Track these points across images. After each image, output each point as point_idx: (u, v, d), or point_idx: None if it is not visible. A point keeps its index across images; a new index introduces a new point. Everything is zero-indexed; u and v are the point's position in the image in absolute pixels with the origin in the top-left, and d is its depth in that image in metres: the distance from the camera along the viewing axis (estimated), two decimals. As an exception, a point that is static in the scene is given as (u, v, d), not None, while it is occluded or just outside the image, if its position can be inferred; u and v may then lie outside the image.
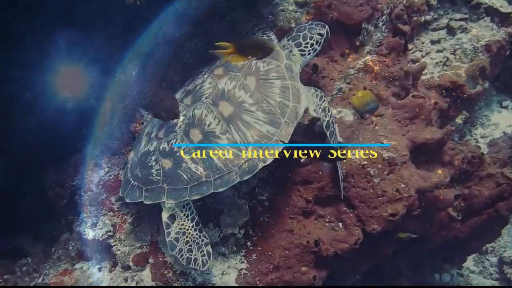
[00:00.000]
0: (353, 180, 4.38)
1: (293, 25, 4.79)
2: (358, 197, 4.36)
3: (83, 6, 4.44)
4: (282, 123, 3.83)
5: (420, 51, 5.87)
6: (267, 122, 3.81)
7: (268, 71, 3.95)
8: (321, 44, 4.26)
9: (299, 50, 4.22)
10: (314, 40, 4.19)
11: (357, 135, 4.61)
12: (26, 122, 5.36)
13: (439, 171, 4.76)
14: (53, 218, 5.55)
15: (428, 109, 4.78)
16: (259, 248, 4.43)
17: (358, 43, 4.95)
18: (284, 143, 3.84)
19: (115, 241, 4.54)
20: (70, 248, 4.97)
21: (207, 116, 3.83)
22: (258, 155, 3.78)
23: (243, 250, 4.44)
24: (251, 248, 4.44)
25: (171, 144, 3.89)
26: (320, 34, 4.20)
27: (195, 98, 3.97)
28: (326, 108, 4.08)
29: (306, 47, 4.20)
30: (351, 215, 4.45)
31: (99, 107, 5.04)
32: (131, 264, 4.41)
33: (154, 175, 3.94)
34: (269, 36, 4.63)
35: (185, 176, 3.82)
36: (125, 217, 4.61)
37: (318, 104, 4.08)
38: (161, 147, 3.95)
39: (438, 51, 5.89)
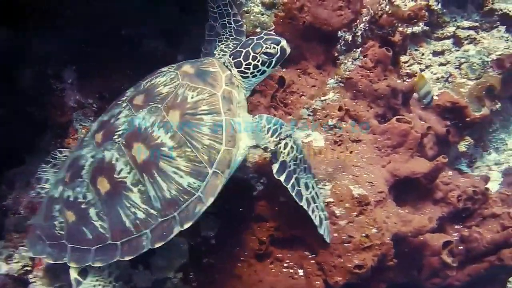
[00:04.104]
0: (315, 220, 3.76)
1: (258, 30, 4.18)
2: (319, 242, 3.73)
3: None
4: (209, 174, 3.11)
5: (418, 63, 5.21)
6: (189, 173, 3.09)
7: (197, 103, 3.20)
8: (271, 65, 3.46)
9: (239, 72, 3.46)
10: (258, 61, 3.41)
11: (326, 164, 3.99)
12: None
13: (423, 215, 4.09)
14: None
15: (414, 136, 4.15)
16: (200, 296, 3.84)
17: (336, 54, 4.29)
18: (208, 202, 3.12)
19: (34, 277, 4.00)
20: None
21: (118, 160, 3.13)
22: (175, 216, 3.10)
23: (181, 297, 3.85)
24: (190, 295, 3.85)
25: (76, 192, 3.25)
26: (267, 54, 3.39)
27: (106, 135, 3.26)
28: (282, 146, 3.36)
29: (248, 68, 3.43)
30: (313, 261, 3.84)
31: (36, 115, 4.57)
32: (49, 309, 3.86)
33: (57, 228, 3.31)
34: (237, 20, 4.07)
35: (89, 235, 3.18)
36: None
37: (270, 141, 3.35)
38: (65, 195, 3.31)
39: (441, 64, 5.23)
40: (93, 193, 3.18)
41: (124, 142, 3.15)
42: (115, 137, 3.19)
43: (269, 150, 3.39)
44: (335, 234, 3.70)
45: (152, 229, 3.10)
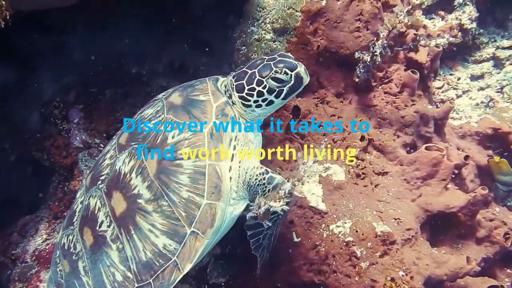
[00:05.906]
0: (334, 263, 3.43)
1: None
2: (339, 287, 3.36)
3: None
4: (186, 234, 2.63)
5: (454, 89, 4.82)
6: (165, 232, 2.65)
7: (177, 145, 2.70)
8: (281, 95, 2.82)
9: (240, 98, 2.86)
10: (264, 88, 2.80)
11: (347, 200, 3.64)
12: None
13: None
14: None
15: (447, 165, 3.76)
16: None
17: (357, 80, 3.99)
18: (185, 269, 2.65)
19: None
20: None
21: (100, 210, 2.83)
22: (150, 283, 2.68)
23: None
24: None
25: (69, 241, 3.02)
26: (276, 80, 2.77)
27: (93, 180, 2.98)
28: (270, 212, 2.81)
29: (251, 95, 2.82)
30: (333, 310, 3.45)
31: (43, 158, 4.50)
32: None
33: (59, 276, 3.09)
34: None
35: None
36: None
37: (261, 203, 2.78)
38: (62, 241, 3.09)
39: (480, 88, 4.81)
40: (80, 244, 2.92)
41: (105, 190, 2.85)
42: (99, 182, 2.92)
43: (255, 210, 2.83)
44: (357, 278, 3.33)
45: None
